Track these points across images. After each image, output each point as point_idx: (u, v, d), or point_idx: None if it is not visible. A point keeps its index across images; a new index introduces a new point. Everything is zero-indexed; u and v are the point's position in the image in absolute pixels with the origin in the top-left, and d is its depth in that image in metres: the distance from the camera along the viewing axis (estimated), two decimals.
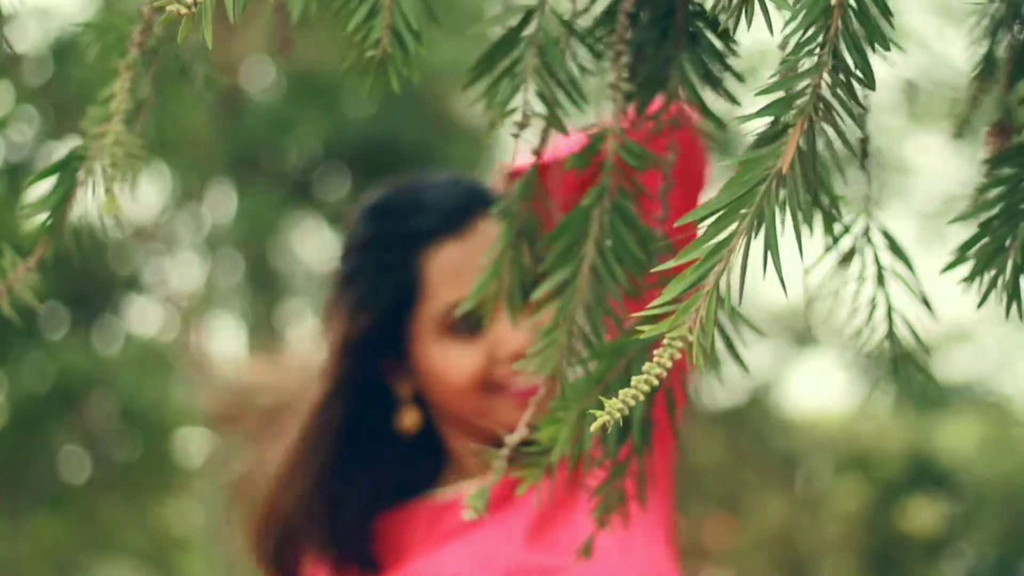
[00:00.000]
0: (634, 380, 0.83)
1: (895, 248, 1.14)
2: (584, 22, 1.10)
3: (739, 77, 1.10)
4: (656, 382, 0.82)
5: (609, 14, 1.08)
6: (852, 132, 0.97)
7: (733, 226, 0.85)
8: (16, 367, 6.66)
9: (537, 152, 1.05)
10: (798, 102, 0.89)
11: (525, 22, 1.04)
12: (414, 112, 6.33)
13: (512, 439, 1.02)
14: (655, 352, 0.83)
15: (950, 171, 7.59)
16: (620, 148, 1.04)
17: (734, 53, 1.09)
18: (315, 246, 7.66)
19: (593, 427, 0.81)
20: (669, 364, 0.82)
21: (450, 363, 1.61)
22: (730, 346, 1.05)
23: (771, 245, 0.86)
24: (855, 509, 8.48)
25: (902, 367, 1.17)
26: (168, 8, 0.80)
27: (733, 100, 1.09)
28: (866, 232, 1.15)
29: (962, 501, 8.54)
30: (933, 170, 7.75)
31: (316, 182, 7.36)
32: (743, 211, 0.86)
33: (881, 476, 8.52)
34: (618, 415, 0.82)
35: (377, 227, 1.67)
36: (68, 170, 1.07)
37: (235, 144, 6.52)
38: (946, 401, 8.93)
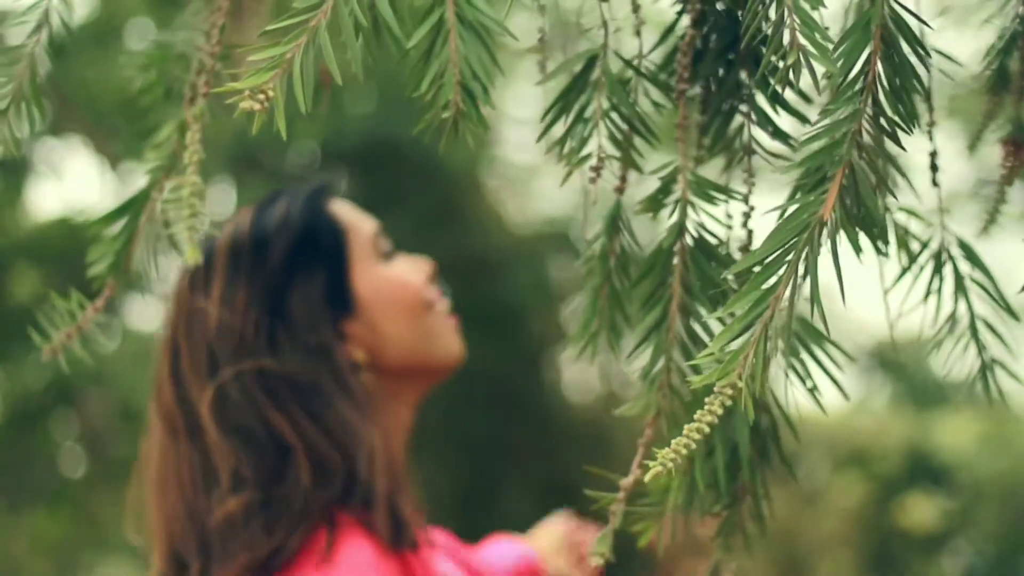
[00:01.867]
0: (686, 428, 0.85)
1: (973, 258, 1.16)
2: (647, 61, 1.12)
3: (806, 97, 1.12)
4: (708, 429, 0.83)
5: (671, 53, 1.10)
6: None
7: (779, 273, 0.87)
8: (15, 364, 6.65)
9: (620, 189, 1.08)
10: (838, 150, 0.90)
11: (590, 66, 1.06)
12: (413, 110, 6.34)
13: (626, 482, 1.04)
14: (707, 400, 0.84)
15: (953, 170, 7.59)
16: (692, 184, 1.05)
17: (812, 77, 1.11)
18: None
19: (648, 477, 0.83)
20: (720, 412, 0.83)
21: (401, 274, 1.67)
22: (820, 365, 1.08)
23: (814, 294, 0.88)
24: (854, 505, 8.49)
25: (991, 375, 1.19)
26: (242, 105, 0.83)
27: (802, 119, 1.11)
28: (942, 245, 1.16)
29: (960, 497, 8.55)
30: (944, 170, 7.75)
31: (316, 180, 7.37)
32: (787, 258, 0.87)
33: (880, 472, 8.53)
34: (671, 465, 0.83)
35: (284, 208, 1.69)
36: (132, 214, 1.11)
37: (235, 142, 6.52)
38: (944, 397, 8.94)
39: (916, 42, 0.94)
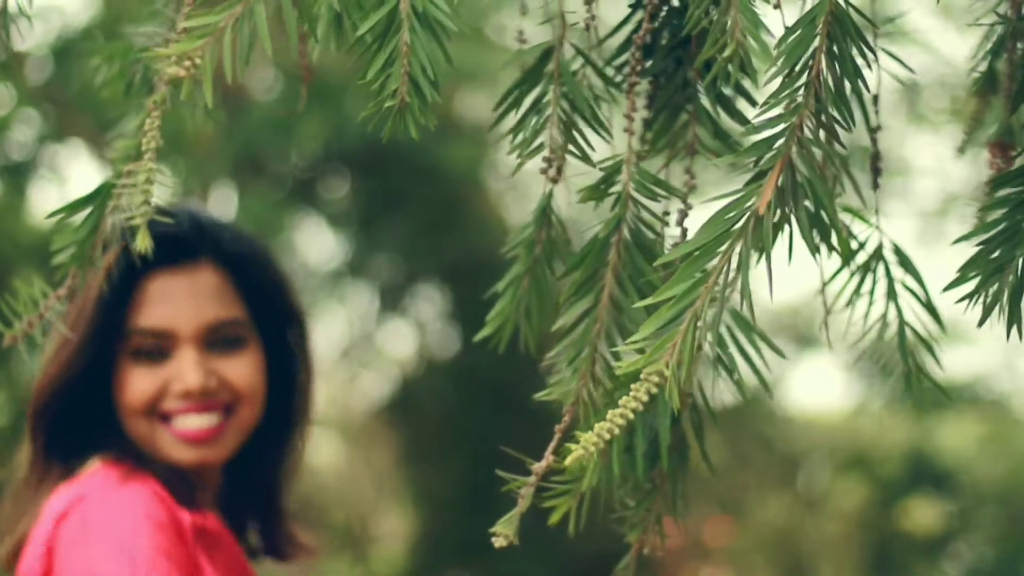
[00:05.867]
0: (609, 414, 0.86)
1: (906, 263, 1.16)
2: (600, 54, 1.11)
3: (752, 101, 1.12)
4: (631, 415, 0.84)
5: (627, 46, 1.10)
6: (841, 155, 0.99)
7: (711, 263, 0.88)
8: (17, 366, 6.65)
9: (555, 180, 1.07)
10: (777, 144, 0.91)
11: (546, 58, 1.06)
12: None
13: (539, 467, 1.04)
14: (632, 386, 0.85)
15: (951, 171, 7.60)
16: (634, 179, 1.05)
17: (748, 76, 1.10)
18: (317, 246, 7.67)
19: (568, 461, 0.84)
20: (645, 399, 0.84)
21: (129, 383, 1.75)
22: (747, 359, 1.07)
23: (744, 288, 0.88)
24: (855, 508, 8.48)
25: (914, 380, 1.19)
26: (168, 71, 0.82)
27: (747, 123, 1.11)
28: (879, 247, 1.17)
29: (962, 500, 8.55)
30: (934, 170, 7.75)
31: (317, 182, 7.37)
32: (720, 249, 0.88)
33: (881, 475, 8.52)
34: (593, 450, 0.84)
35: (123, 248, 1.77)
36: (97, 204, 1.10)
37: (237, 145, 6.52)
38: (946, 400, 8.92)
39: (861, 40, 0.95)
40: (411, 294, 7.83)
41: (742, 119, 1.13)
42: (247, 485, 1.88)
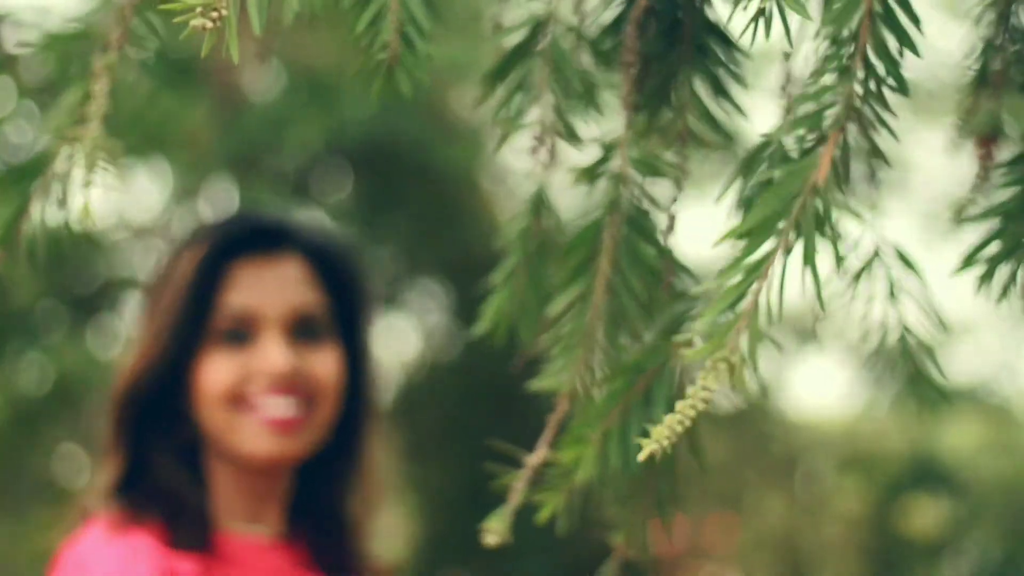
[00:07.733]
0: (679, 405, 0.82)
1: (908, 263, 1.13)
2: (591, 31, 1.08)
3: (745, 86, 1.09)
4: (703, 406, 0.80)
5: (616, 24, 1.07)
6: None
7: (771, 242, 0.84)
8: (15, 368, 6.63)
9: (548, 165, 1.04)
10: (831, 112, 0.88)
11: (536, 33, 1.02)
12: (414, 111, 6.32)
13: (533, 460, 1.01)
14: (700, 375, 0.81)
15: (952, 168, 7.57)
16: (631, 159, 1.02)
17: (740, 63, 1.08)
18: None
19: (641, 456, 0.80)
20: (715, 387, 0.80)
21: (211, 368, 1.73)
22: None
23: (809, 258, 0.84)
24: (857, 509, 8.47)
25: (916, 384, 1.17)
26: (192, 23, 0.78)
27: (740, 110, 1.09)
28: (877, 248, 1.14)
29: (964, 501, 8.52)
30: (935, 167, 7.73)
31: (315, 180, 7.35)
32: (780, 226, 0.84)
33: (883, 476, 8.51)
34: (666, 443, 0.80)
35: (204, 234, 1.81)
36: (25, 180, 1.05)
37: (234, 142, 6.51)
38: (948, 401, 8.90)
39: (907, 6, 0.91)
40: (413, 292, 7.82)
41: (736, 106, 1.10)
42: (316, 494, 1.86)
